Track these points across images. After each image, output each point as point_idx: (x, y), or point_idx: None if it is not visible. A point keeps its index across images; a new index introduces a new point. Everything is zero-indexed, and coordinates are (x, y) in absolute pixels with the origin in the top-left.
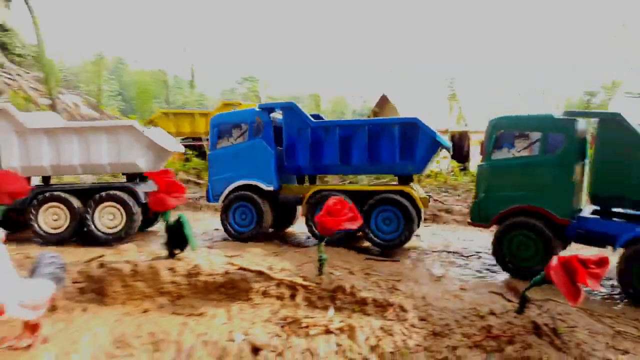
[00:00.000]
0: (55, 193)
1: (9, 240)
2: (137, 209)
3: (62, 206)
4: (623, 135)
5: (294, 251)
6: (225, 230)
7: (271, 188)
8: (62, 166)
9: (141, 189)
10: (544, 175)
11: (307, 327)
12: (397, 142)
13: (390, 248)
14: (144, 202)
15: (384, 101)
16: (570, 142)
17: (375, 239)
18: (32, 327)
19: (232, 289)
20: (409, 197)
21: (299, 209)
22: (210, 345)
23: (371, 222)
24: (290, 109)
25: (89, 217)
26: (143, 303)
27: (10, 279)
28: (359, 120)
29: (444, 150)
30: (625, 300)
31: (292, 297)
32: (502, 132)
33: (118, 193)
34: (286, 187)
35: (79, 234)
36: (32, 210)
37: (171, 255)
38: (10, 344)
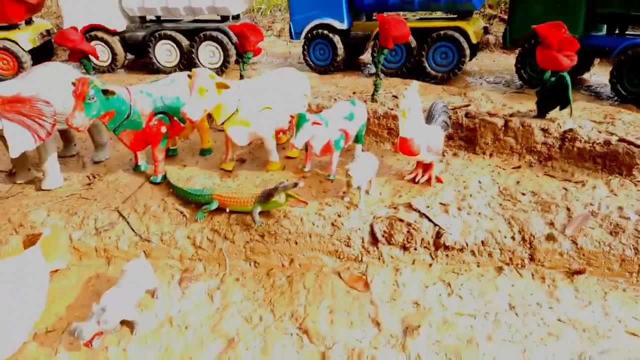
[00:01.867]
0: (168, 32)
1: (132, 67)
2: (231, 47)
3: (172, 43)
4: None
5: None
6: (307, 63)
7: (343, 26)
8: (169, 8)
9: None
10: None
11: None
12: None
13: (443, 80)
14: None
15: None
16: None
17: (432, 71)
18: (425, 166)
19: (611, 161)
20: (464, 32)
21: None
22: (600, 218)
23: (429, 56)
24: None
25: (194, 53)
26: (511, 158)
27: (423, 126)
28: None
29: None
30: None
31: None
32: None
33: (214, 33)
34: (356, 24)
35: (189, 67)
36: (150, 45)
37: (541, 114)
38: (410, 177)
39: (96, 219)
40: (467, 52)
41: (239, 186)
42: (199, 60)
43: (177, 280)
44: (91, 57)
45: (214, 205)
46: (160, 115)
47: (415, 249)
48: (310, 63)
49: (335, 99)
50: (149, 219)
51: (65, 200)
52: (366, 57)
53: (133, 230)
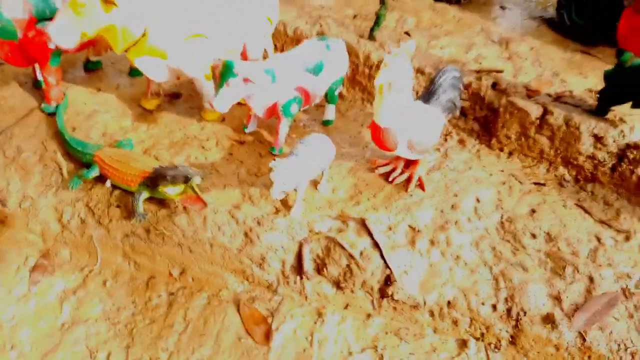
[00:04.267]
0: None
1: None
2: None
3: None
4: None
5: None
6: None
7: None
8: None
9: None
10: None
11: None
12: None
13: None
14: None
15: None
16: None
17: None
18: (409, 160)
19: None
20: None
21: None
22: (635, 304)
23: None
24: None
25: None
26: (537, 167)
27: (409, 109)
28: None
29: None
30: None
31: None
32: None
33: None
34: None
35: None
36: None
37: (601, 110)
38: (385, 170)
39: None
40: None
41: (130, 152)
42: None
43: (30, 268)
44: None
45: (94, 172)
46: (46, 23)
47: (352, 291)
48: None
49: (321, 25)
50: (14, 171)
51: None
52: None
53: None
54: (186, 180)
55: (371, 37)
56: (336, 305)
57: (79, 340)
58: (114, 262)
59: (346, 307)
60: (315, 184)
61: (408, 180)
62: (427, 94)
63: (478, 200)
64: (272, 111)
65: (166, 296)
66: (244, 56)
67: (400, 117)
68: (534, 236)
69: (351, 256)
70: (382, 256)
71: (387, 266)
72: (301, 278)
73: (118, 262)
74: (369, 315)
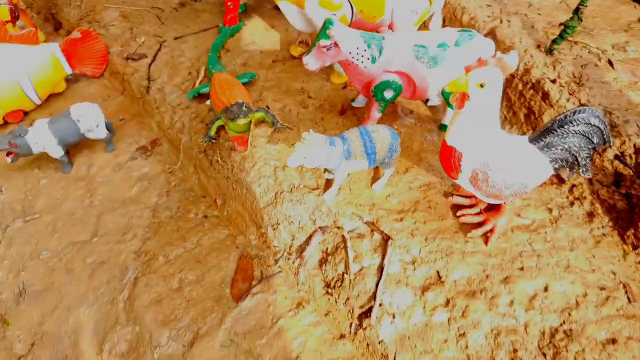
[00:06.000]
0: None
1: None
2: None
3: None
4: None
5: None
6: None
7: None
8: None
9: None
10: None
11: None
12: None
13: None
14: None
15: None
16: None
17: None
18: (490, 205)
19: None
20: None
21: None
22: None
23: None
24: None
25: None
26: None
27: (489, 133)
28: None
29: None
30: None
31: None
32: None
33: None
34: None
35: None
36: None
37: None
38: (459, 201)
39: (140, 44)
40: None
41: (237, 84)
42: None
43: (137, 148)
44: None
45: (206, 89)
46: None
47: (336, 302)
48: None
49: (502, 21)
50: (169, 68)
51: (139, 10)
52: None
53: (148, 77)
54: (233, 118)
55: (550, 50)
56: (319, 307)
57: (126, 215)
58: (187, 170)
59: (327, 314)
60: (376, 180)
61: (478, 225)
62: (540, 133)
63: (546, 290)
64: (368, 91)
65: (201, 217)
66: (391, 26)
67: (474, 139)
68: None
69: (347, 265)
70: (377, 283)
71: (375, 297)
72: (301, 262)
73: (190, 171)
74: (342, 336)
